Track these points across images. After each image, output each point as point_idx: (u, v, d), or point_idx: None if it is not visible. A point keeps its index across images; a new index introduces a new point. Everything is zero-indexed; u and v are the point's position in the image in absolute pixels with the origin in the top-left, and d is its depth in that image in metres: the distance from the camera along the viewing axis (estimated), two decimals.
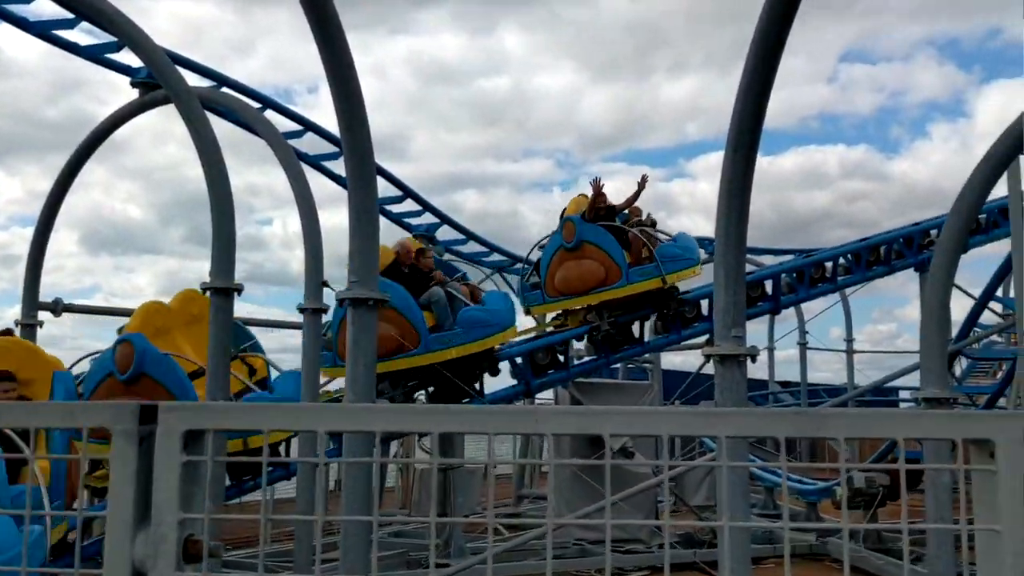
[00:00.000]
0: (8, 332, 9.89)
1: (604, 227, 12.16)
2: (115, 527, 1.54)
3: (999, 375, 16.98)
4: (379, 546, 12.15)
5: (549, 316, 13.32)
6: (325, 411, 1.46)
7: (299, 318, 9.50)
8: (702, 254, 13.52)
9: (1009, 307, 12.32)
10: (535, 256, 12.95)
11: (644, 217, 12.80)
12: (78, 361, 10.08)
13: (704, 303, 12.64)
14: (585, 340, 12.60)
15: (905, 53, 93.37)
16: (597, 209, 12.37)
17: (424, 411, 1.39)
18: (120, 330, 9.82)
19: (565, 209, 12.86)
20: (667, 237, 12.73)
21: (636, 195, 12.86)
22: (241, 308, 11.11)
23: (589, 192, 12.57)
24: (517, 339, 12.21)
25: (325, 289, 8.95)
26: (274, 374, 10.29)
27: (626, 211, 12.75)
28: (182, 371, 8.80)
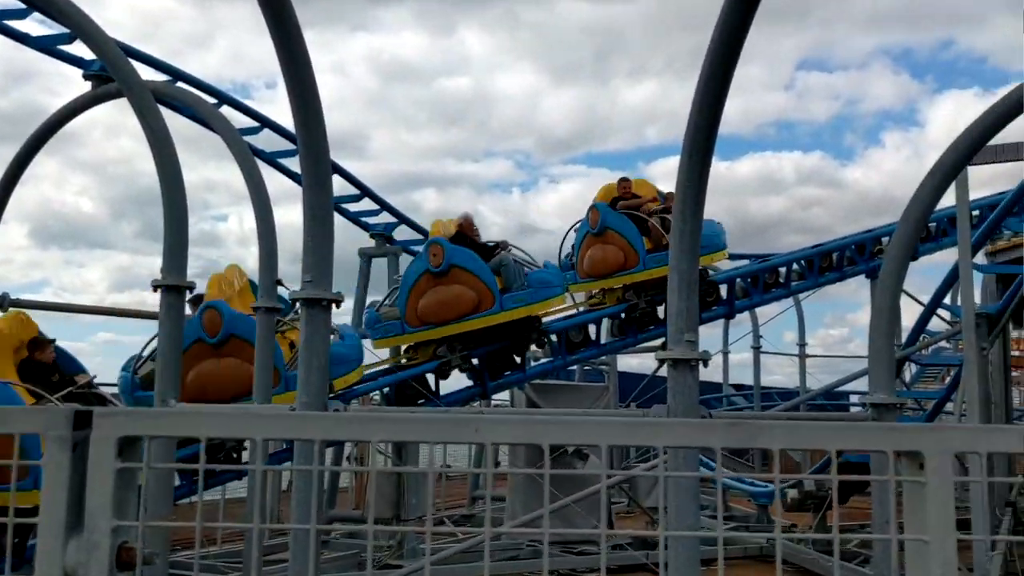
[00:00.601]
0: None
1: (626, 215, 12.86)
2: (47, 533, 1.51)
3: (947, 380, 17.32)
4: (331, 547, 12.09)
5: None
6: (262, 418, 1.44)
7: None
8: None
9: (956, 314, 12.56)
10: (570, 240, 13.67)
11: (672, 204, 13.05)
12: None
13: (661, 307, 12.74)
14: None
15: (860, 62, 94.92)
16: (623, 198, 13.15)
17: (362, 419, 1.38)
18: (194, 299, 9.91)
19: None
20: None
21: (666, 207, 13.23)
22: None
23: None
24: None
25: (279, 288, 8.87)
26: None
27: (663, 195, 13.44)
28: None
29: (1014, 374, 26.55)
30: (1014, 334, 28.42)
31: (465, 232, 11.70)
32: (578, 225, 13.40)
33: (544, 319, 12.30)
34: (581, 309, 13.16)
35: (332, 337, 9.92)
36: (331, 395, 10.08)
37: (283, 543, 10.19)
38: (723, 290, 13.98)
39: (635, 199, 13.23)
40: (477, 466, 16.97)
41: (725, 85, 5.54)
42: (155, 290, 7.20)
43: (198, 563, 5.76)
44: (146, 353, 9.83)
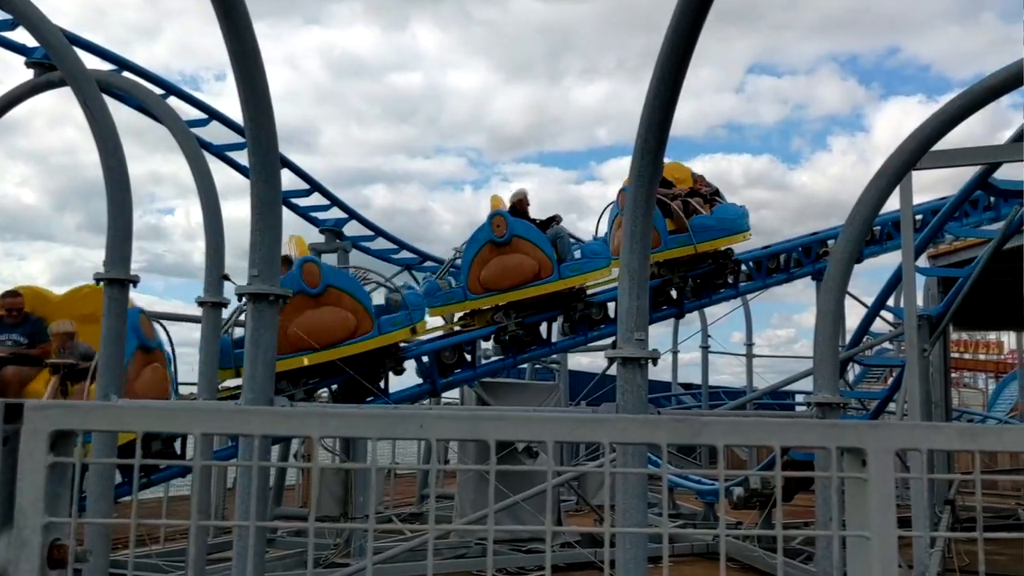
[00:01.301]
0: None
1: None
2: None
3: (889, 381, 17.67)
4: (278, 545, 11.96)
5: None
6: (200, 413, 1.41)
7: (199, 311, 9.23)
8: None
9: (899, 316, 12.81)
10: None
11: (704, 188, 14.56)
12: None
13: (612, 305, 12.82)
14: (492, 340, 12.67)
15: (809, 67, 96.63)
16: None
17: (303, 414, 1.36)
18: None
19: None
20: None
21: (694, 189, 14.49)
22: (139, 300, 10.74)
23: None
24: (426, 336, 12.16)
25: (226, 283, 8.73)
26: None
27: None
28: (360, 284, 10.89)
29: (954, 375, 27.23)
30: (954, 336, 29.17)
31: (520, 208, 12.53)
32: (609, 207, 14.15)
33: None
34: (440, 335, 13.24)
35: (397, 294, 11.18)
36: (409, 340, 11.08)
37: (229, 542, 10.05)
38: (673, 291, 14.11)
39: (664, 184, 13.88)
40: (426, 464, 16.91)
41: (677, 86, 5.58)
42: (97, 283, 7.03)
43: (133, 561, 5.65)
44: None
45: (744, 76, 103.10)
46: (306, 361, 10.41)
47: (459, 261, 12.66)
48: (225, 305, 8.76)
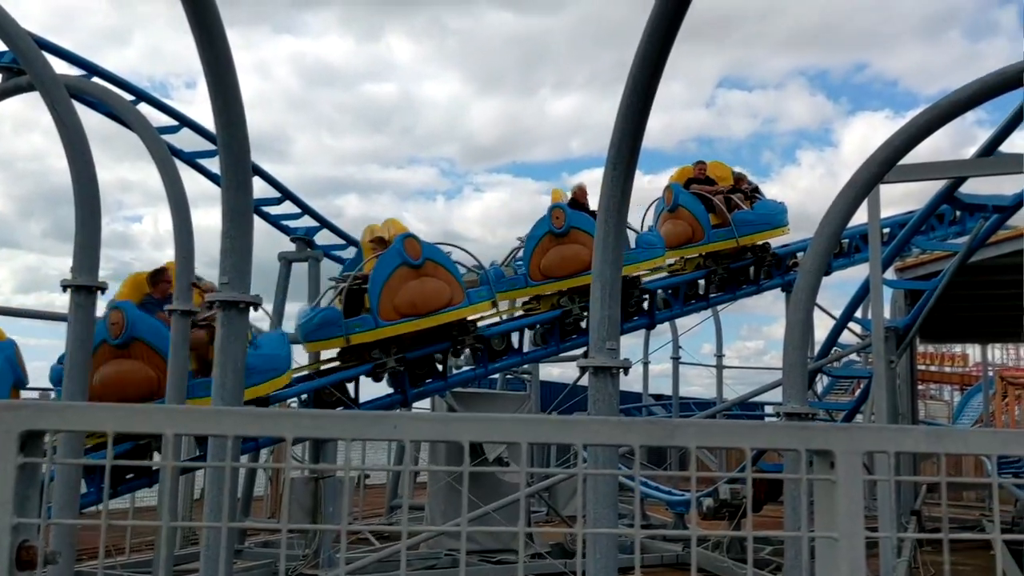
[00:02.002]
0: None
1: (695, 194, 14.59)
2: None
3: (857, 392, 17.86)
4: (245, 556, 11.85)
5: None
6: (172, 413, 1.40)
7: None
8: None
9: (866, 328, 12.96)
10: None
11: (745, 186, 15.37)
12: None
13: (587, 319, 12.86)
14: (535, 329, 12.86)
15: (778, 82, 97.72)
16: (697, 179, 14.91)
17: (277, 415, 1.35)
18: (377, 240, 11.64)
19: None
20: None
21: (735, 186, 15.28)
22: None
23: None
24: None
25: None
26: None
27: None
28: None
29: (920, 387, 27.57)
30: (921, 348, 29.52)
31: (578, 199, 13.29)
32: (655, 203, 15.03)
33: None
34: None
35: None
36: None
37: (195, 553, 9.94)
38: (644, 301, 14.17)
39: (707, 182, 14.99)
40: (396, 479, 16.85)
41: (648, 99, 5.63)
42: (64, 290, 6.95)
43: (102, 572, 5.56)
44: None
45: (714, 90, 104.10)
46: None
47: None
48: (194, 313, 8.69)
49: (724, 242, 14.55)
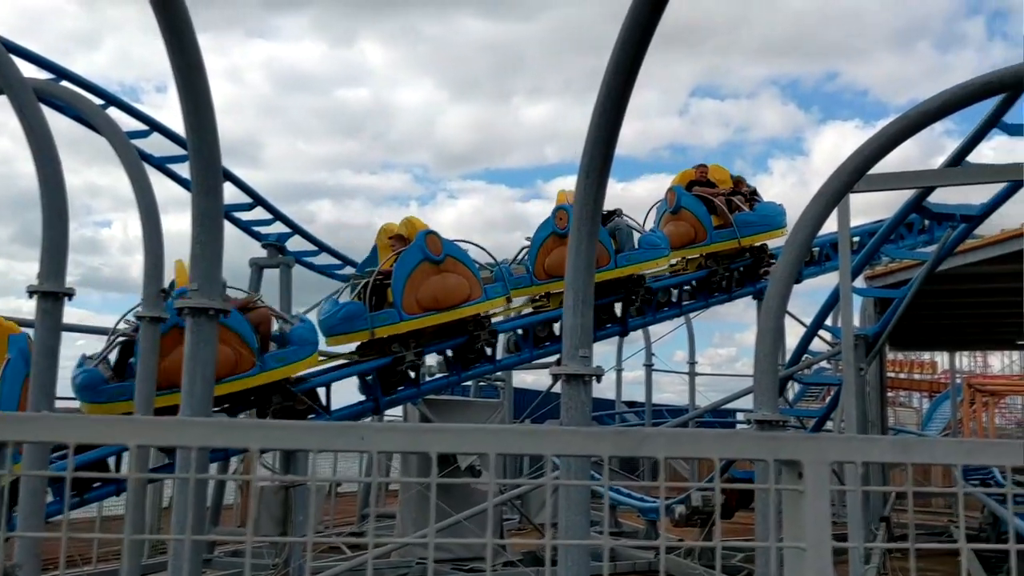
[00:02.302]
0: None
1: (698, 196, 14.99)
2: None
3: (827, 399, 17.98)
4: (215, 566, 11.72)
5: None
6: (136, 424, 1.37)
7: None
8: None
9: (836, 336, 13.07)
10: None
11: (744, 188, 15.82)
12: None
13: (557, 324, 12.86)
14: (442, 357, 12.67)
15: (750, 91, 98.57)
16: (699, 181, 15.32)
17: (242, 426, 1.33)
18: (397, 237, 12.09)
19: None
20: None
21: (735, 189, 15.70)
22: (74, 314, 10.50)
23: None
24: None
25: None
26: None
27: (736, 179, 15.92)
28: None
29: (889, 394, 27.81)
30: (890, 356, 29.81)
31: None
32: (659, 204, 15.42)
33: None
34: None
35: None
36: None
37: (163, 562, 9.82)
38: (617, 309, 14.20)
39: (708, 184, 15.42)
40: (367, 489, 16.75)
41: (621, 107, 5.64)
42: (31, 296, 6.85)
43: None
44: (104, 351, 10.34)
45: (688, 99, 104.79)
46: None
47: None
48: (164, 320, 8.59)
49: (726, 243, 14.94)
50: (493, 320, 12.85)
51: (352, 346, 11.76)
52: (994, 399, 34.59)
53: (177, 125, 12.84)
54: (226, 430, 1.32)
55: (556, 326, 12.92)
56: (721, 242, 14.89)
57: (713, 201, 15.08)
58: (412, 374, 12.06)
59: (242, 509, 15.25)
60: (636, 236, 14.02)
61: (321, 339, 11.40)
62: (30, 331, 9.26)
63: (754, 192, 16.01)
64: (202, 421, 1.30)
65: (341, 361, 11.71)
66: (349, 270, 17.69)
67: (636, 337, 21.24)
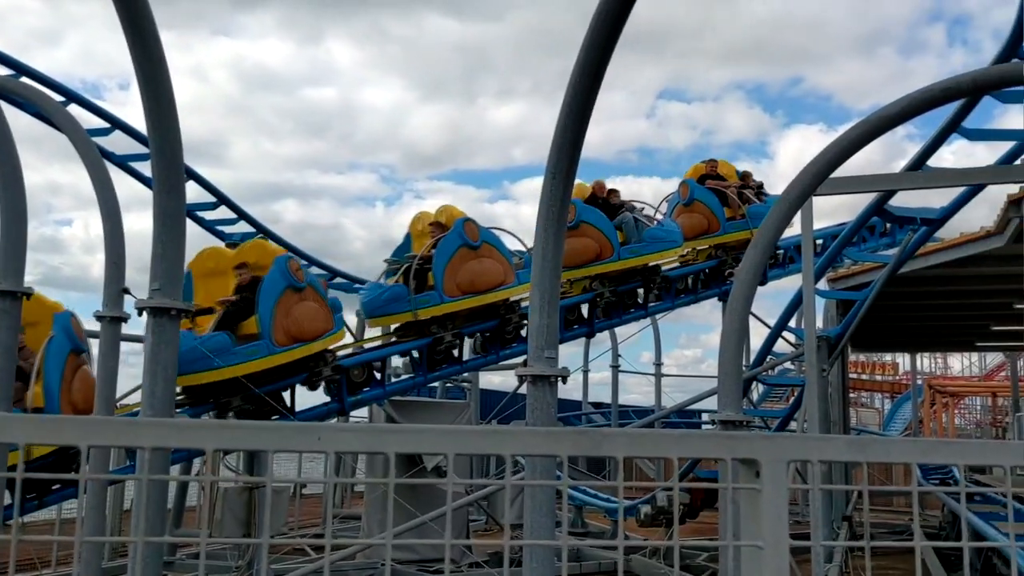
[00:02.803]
0: None
1: (711, 189, 15.47)
2: None
3: (790, 400, 18.17)
4: (176, 568, 11.58)
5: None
6: (88, 425, 1.35)
7: (97, 326, 8.89)
8: None
9: (800, 337, 13.19)
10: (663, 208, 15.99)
11: (752, 182, 16.37)
12: None
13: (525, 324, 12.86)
14: (407, 358, 12.61)
15: (716, 94, 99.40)
16: (710, 175, 15.82)
17: (197, 426, 1.32)
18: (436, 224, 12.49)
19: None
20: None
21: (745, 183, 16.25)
22: None
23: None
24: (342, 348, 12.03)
25: (126, 297, 8.43)
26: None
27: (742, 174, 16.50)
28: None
29: (852, 395, 28.18)
30: (852, 357, 30.18)
31: (597, 194, 14.20)
32: (671, 197, 15.93)
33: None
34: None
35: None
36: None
37: (124, 565, 9.69)
38: (584, 310, 14.23)
39: (719, 178, 15.89)
40: (333, 489, 16.64)
41: (588, 109, 5.66)
42: None
43: None
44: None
45: (654, 101, 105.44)
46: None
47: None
48: (125, 320, 8.47)
49: (738, 233, 15.30)
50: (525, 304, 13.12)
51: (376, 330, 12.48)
52: (954, 400, 35.19)
53: (140, 123, 12.71)
54: (181, 431, 1.30)
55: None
56: (734, 232, 15.38)
57: (726, 193, 15.54)
58: (378, 375, 12.02)
59: (206, 510, 15.08)
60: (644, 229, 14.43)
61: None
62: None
63: (761, 186, 16.52)
64: (156, 422, 1.28)
65: (376, 343, 12.37)
66: (315, 271, 17.59)
67: (603, 338, 21.35)
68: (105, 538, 11.50)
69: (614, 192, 14.54)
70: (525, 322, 12.71)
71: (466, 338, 13.00)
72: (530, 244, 13.47)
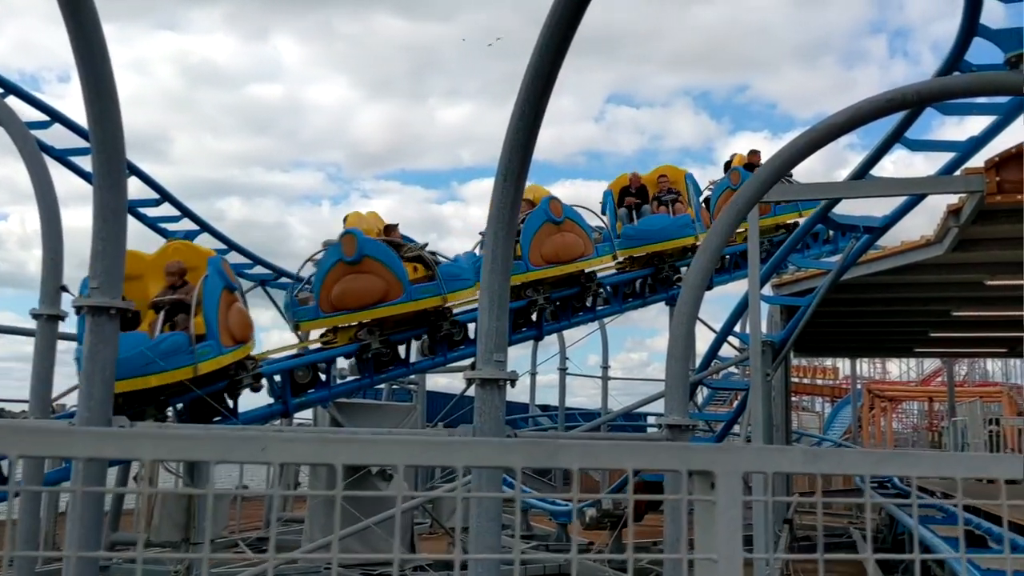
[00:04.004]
0: None
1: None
2: None
3: (735, 404, 18.38)
4: (112, 572, 11.30)
5: None
6: (19, 433, 1.28)
7: (34, 324, 8.64)
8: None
9: (744, 341, 13.36)
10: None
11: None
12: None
13: (472, 326, 12.80)
14: (354, 359, 12.45)
15: (664, 100, 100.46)
16: (753, 165, 15.72)
17: (134, 435, 1.26)
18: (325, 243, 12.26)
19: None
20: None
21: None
22: None
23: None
24: (278, 355, 11.87)
25: (64, 295, 8.21)
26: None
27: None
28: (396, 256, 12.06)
29: (794, 399, 28.63)
30: (795, 362, 30.69)
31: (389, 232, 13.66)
32: (719, 181, 16.73)
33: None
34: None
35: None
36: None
37: (59, 569, 9.43)
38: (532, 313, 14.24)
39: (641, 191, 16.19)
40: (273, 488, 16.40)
41: (539, 112, 5.65)
42: None
43: None
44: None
45: (603, 106, 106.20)
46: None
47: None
48: (63, 318, 8.24)
49: (785, 215, 16.01)
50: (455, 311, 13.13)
51: None
52: (892, 404, 35.98)
53: (80, 116, 12.39)
54: (117, 440, 1.24)
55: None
56: (781, 215, 15.99)
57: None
58: (323, 376, 11.89)
59: (144, 514, 14.75)
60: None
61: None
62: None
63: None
64: (91, 431, 1.22)
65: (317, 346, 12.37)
66: (259, 270, 17.33)
67: (551, 341, 21.40)
68: (36, 553, 11.18)
69: (392, 230, 13.30)
70: (601, 290, 14.53)
71: (413, 340, 12.87)
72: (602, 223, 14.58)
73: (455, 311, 13.03)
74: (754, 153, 16.98)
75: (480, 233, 13.75)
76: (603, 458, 1.38)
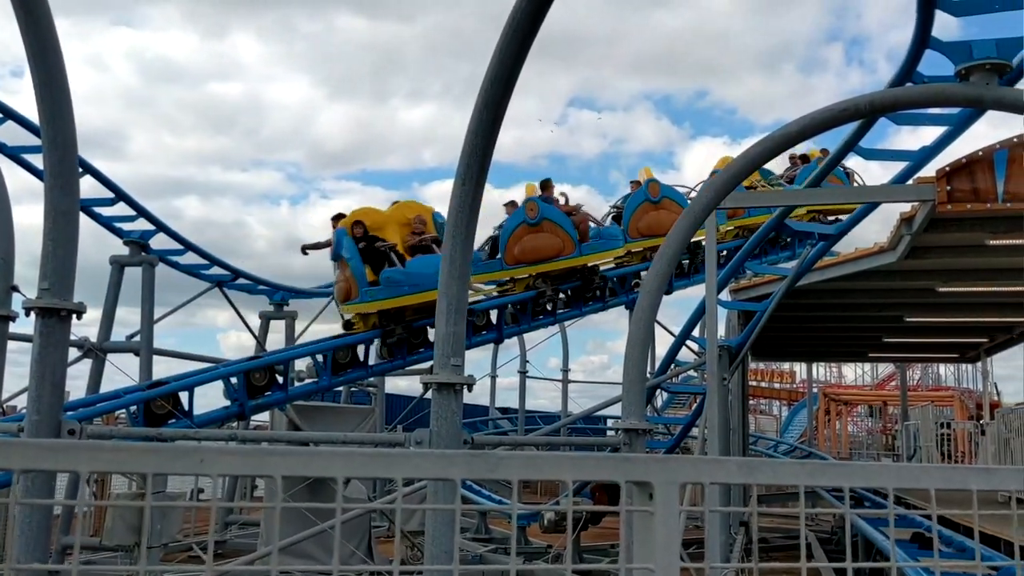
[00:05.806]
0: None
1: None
2: None
3: (693, 407, 18.53)
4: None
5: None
6: None
7: None
8: None
9: (702, 346, 13.47)
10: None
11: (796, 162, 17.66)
12: None
13: (431, 329, 12.78)
14: (309, 361, 12.39)
15: (626, 104, 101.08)
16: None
17: (70, 447, 1.25)
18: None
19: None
20: None
21: None
22: None
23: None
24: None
25: (15, 295, 8.05)
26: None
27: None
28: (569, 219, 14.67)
29: (751, 402, 28.94)
30: (752, 365, 31.03)
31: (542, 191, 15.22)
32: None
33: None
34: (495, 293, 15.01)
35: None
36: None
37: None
38: (493, 316, 14.25)
39: (806, 159, 17.19)
40: (232, 493, 16.28)
41: (499, 116, 5.66)
42: None
43: None
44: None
45: (566, 109, 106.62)
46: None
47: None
48: (13, 318, 8.08)
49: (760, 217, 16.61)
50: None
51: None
52: (847, 408, 36.51)
53: (32, 113, 12.16)
54: (53, 453, 1.22)
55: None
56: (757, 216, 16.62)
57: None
58: (280, 378, 11.78)
59: (95, 517, 14.53)
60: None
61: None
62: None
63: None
64: (28, 443, 1.21)
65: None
66: (216, 270, 17.13)
67: (511, 344, 21.43)
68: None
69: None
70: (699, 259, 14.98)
71: (375, 340, 12.86)
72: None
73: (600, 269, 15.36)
74: (546, 183, 15.76)
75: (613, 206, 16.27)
76: (545, 470, 1.39)
